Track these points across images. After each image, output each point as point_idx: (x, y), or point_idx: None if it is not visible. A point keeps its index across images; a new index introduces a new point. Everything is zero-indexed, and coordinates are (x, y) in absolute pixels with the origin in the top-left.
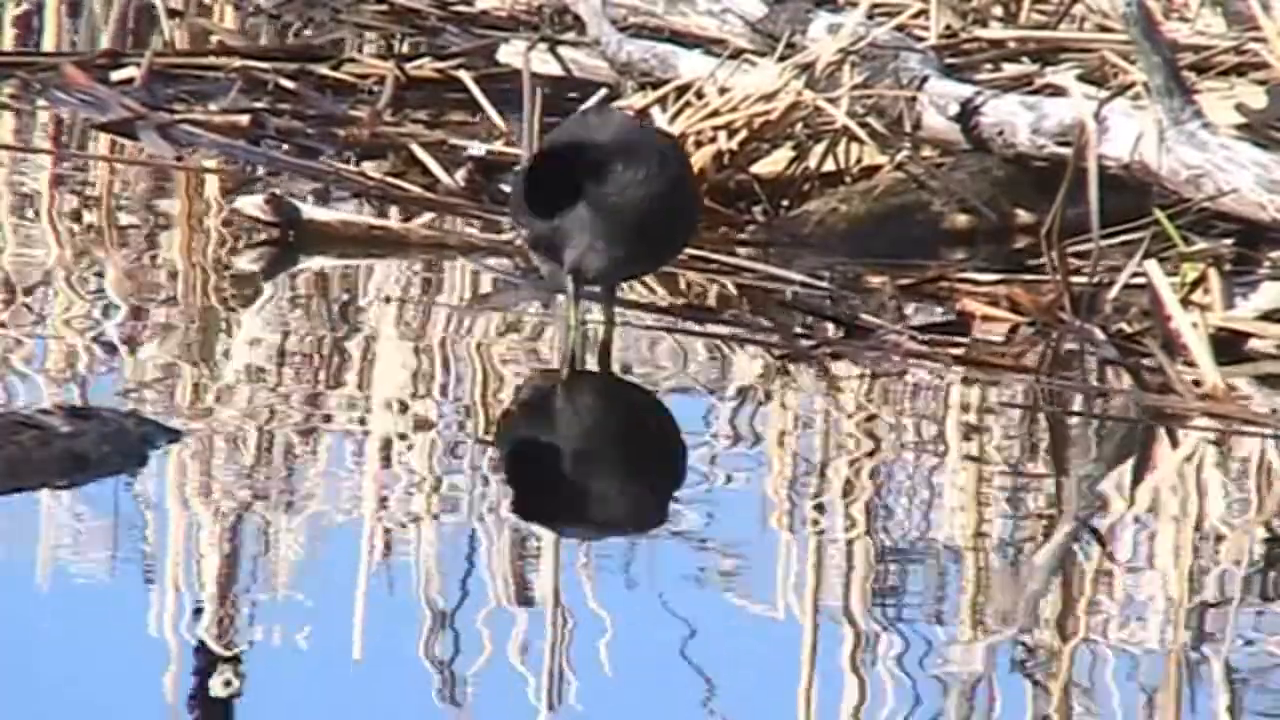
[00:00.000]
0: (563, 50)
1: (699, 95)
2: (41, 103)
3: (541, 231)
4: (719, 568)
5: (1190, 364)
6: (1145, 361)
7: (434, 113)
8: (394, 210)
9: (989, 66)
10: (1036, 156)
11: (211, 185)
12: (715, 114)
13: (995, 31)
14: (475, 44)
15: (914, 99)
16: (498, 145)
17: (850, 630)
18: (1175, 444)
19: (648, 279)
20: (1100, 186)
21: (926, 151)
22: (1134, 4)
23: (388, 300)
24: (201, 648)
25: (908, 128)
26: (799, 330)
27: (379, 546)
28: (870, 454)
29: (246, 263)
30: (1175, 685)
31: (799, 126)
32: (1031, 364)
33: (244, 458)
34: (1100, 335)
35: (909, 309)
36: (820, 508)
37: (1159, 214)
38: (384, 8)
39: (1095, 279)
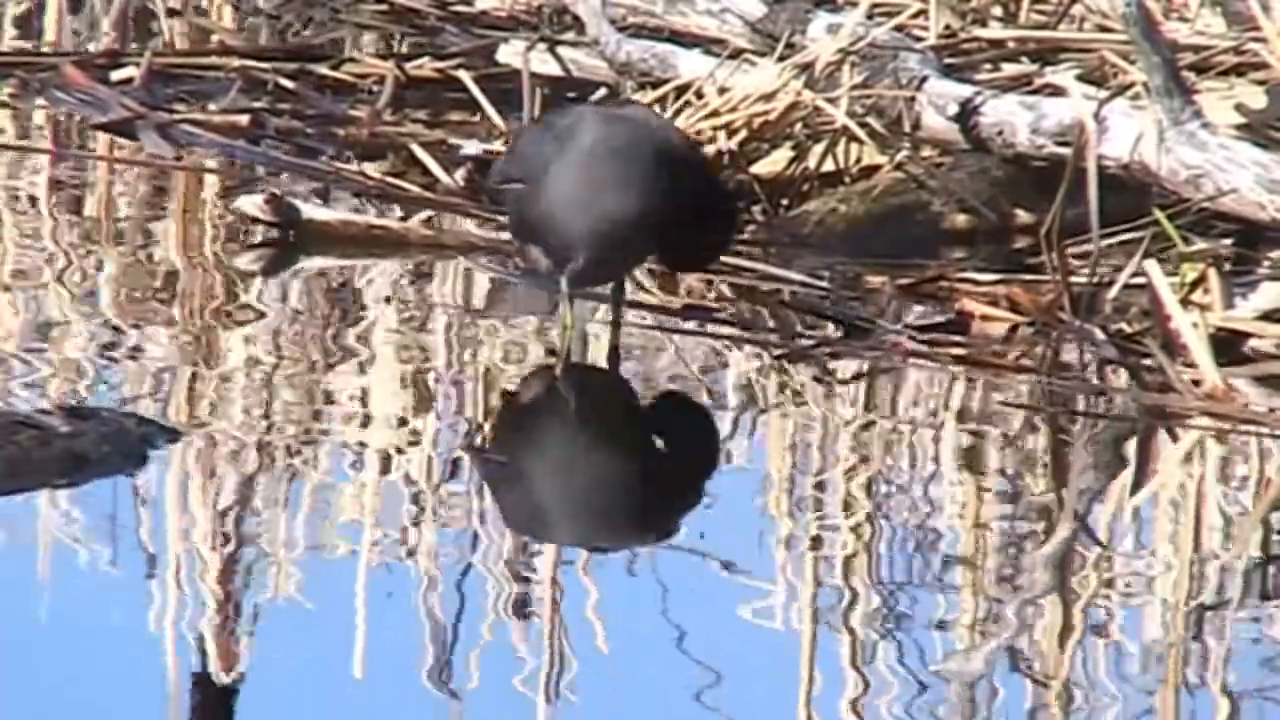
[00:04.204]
0: (562, 50)
1: (698, 95)
2: (41, 103)
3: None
4: (718, 568)
5: (1190, 364)
6: (1145, 361)
7: (434, 113)
8: (393, 210)
9: (988, 66)
10: (1036, 156)
11: (211, 185)
12: (715, 114)
13: (995, 31)
14: (475, 44)
15: (913, 99)
16: (496, 145)
17: (849, 630)
18: (1175, 443)
19: (647, 280)
20: (1100, 186)
21: (926, 151)
22: (1134, 4)
23: (388, 300)
24: (201, 641)
25: (907, 128)
26: (799, 330)
27: (378, 545)
28: (869, 453)
29: (246, 263)
30: (1174, 685)
31: (798, 126)
32: (1031, 364)
33: (243, 458)
34: (1100, 335)
35: (909, 309)
36: (820, 505)
37: (1159, 214)
38: (384, 8)
39: (1095, 279)
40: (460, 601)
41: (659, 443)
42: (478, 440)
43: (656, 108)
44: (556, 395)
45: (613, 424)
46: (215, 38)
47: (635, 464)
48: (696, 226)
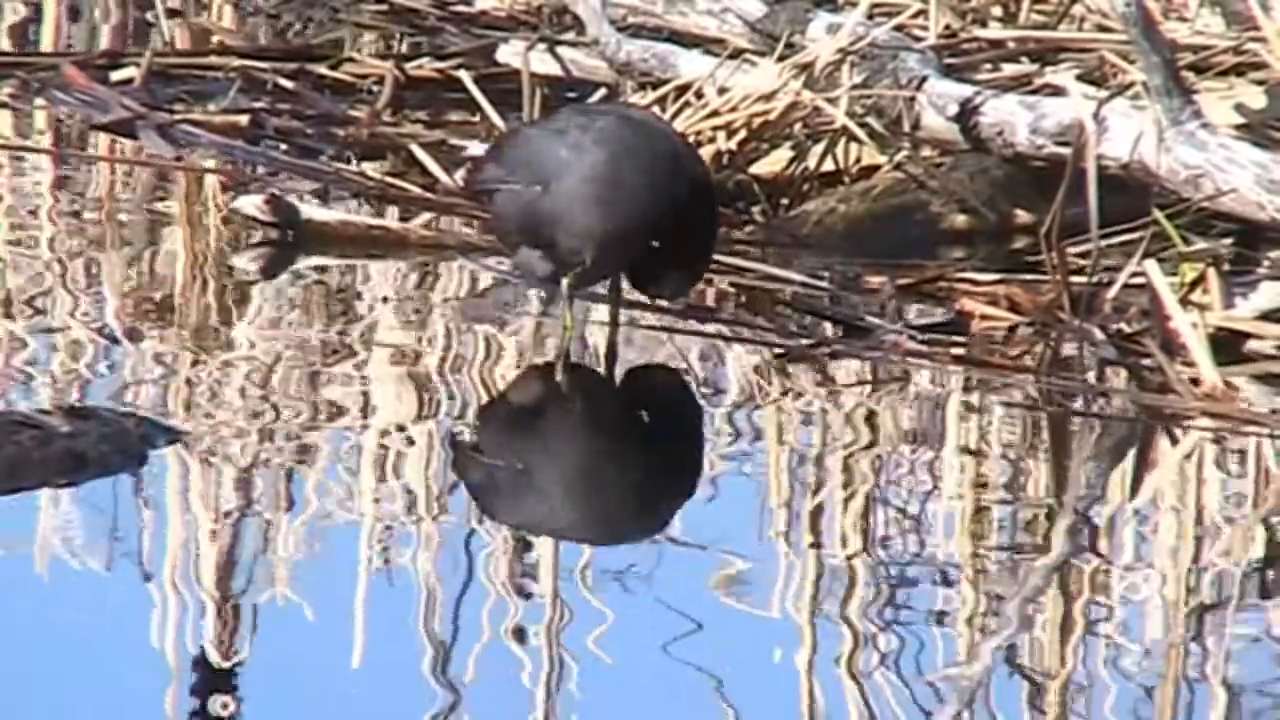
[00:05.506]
0: (562, 50)
1: (698, 95)
2: (41, 103)
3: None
4: (718, 567)
5: (1189, 364)
6: (1145, 361)
7: (433, 113)
8: (393, 210)
9: (988, 66)
10: (1035, 156)
11: (211, 185)
12: (715, 114)
13: (995, 31)
14: (475, 44)
15: (913, 99)
16: None
17: (849, 630)
18: (1174, 443)
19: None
20: (1100, 186)
21: (925, 151)
22: (1133, 4)
23: (385, 300)
24: (200, 640)
25: (907, 128)
26: (798, 330)
27: (377, 544)
28: (868, 453)
29: (246, 263)
30: (1174, 685)
31: (798, 126)
32: (1031, 364)
33: (243, 457)
34: (1100, 335)
35: (908, 309)
36: (819, 505)
37: (1158, 214)
38: (384, 8)
39: (1095, 279)
40: (460, 600)
41: (657, 442)
42: (478, 441)
43: (656, 108)
44: (557, 395)
45: (611, 423)
46: (215, 38)
47: (634, 463)
48: (701, 229)
